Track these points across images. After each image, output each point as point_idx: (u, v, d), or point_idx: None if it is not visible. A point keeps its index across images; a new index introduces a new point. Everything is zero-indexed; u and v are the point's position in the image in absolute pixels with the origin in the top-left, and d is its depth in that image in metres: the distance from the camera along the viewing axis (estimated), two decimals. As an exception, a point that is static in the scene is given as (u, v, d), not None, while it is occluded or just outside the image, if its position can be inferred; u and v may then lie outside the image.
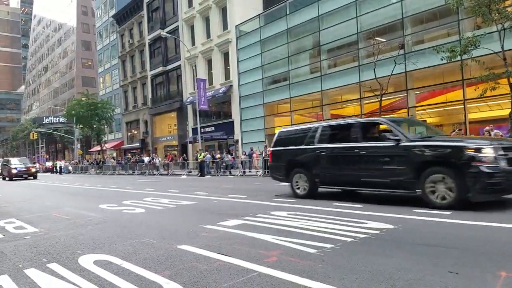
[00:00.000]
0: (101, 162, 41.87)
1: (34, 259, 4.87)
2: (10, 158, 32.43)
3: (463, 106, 19.23)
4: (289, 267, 3.92)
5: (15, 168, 29.60)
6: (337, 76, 24.51)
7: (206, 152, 27.78)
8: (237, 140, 31.31)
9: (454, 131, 16.71)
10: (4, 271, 4.35)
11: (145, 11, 43.16)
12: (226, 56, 32.99)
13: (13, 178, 29.51)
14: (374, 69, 18.83)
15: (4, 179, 31.44)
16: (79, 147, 58.65)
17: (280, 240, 5.12)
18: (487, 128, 14.45)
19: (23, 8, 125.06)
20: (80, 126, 46.05)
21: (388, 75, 18.76)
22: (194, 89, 33.34)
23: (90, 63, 71.97)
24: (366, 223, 5.99)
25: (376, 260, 4.06)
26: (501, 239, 4.89)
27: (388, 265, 3.89)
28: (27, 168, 30.57)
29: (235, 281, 3.61)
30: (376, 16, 22.14)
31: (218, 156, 26.42)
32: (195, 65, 34.30)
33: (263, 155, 22.67)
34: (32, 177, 30.37)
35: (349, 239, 5.04)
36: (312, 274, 3.68)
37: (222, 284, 3.54)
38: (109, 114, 44.67)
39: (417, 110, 21.67)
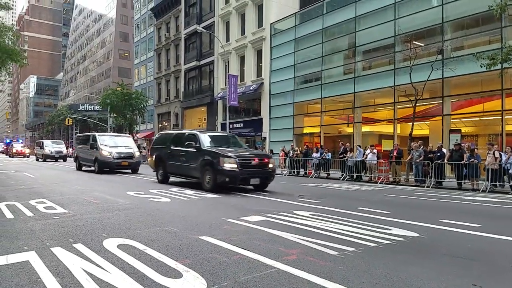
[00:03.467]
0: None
1: (61, 238, 5.05)
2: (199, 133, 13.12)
3: (500, 117, 18.49)
4: (308, 266, 3.89)
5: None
6: (371, 78, 24.06)
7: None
8: (265, 138, 31.32)
9: (490, 143, 16.08)
10: (32, 248, 4.53)
11: (182, 6, 43.73)
12: (259, 53, 33.02)
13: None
14: (410, 74, 18.38)
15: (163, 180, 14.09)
16: (111, 135, 60.04)
17: (301, 239, 5.09)
18: None
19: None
20: (114, 115, 47.22)
21: (424, 81, 18.26)
22: (225, 85, 33.56)
23: (126, 54, 73.66)
24: (390, 230, 5.87)
25: (398, 267, 3.98)
26: (533, 256, 4.68)
27: (410, 273, 3.80)
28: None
29: (253, 275, 3.62)
30: (415, 19, 21.57)
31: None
32: (228, 61, 34.51)
33: (290, 154, 22.56)
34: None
35: (372, 244, 4.96)
36: (331, 275, 3.64)
37: (240, 277, 3.56)
38: (142, 105, 45.56)
39: (452, 118, 21.01)
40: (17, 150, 48.81)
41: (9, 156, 48.69)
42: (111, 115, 48.35)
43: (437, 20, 20.57)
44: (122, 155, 19.11)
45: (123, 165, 18.99)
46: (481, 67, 15.08)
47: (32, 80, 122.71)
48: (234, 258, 4.18)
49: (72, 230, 5.58)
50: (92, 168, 19.90)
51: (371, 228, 5.97)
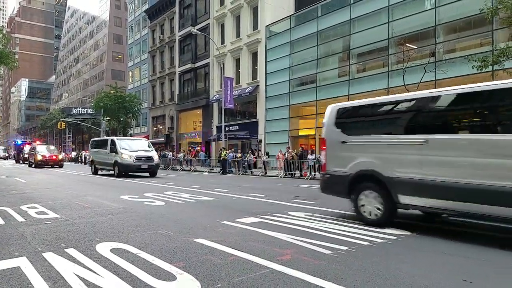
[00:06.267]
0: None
1: (52, 243, 5.01)
2: None
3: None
4: (302, 266, 3.92)
5: None
6: (365, 81, 24.19)
7: (229, 151, 27.92)
8: (261, 140, 31.32)
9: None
10: (23, 254, 4.48)
11: (177, 8, 43.69)
12: (254, 56, 33.03)
13: None
14: (403, 76, 18.51)
15: None
16: (105, 138, 59.81)
17: (296, 239, 5.12)
18: None
19: (57, 0, 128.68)
20: (107, 118, 47.01)
21: (417, 83, 18.40)
22: (220, 87, 33.56)
23: (120, 56, 73.39)
24: (383, 229, 5.90)
25: (391, 265, 4.01)
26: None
27: (403, 270, 3.84)
28: None
29: (247, 276, 3.63)
30: (408, 22, 21.72)
31: (239, 155, 26.51)
32: (223, 64, 34.52)
33: (286, 156, 22.61)
34: None
35: (365, 243, 4.99)
36: (324, 274, 3.66)
37: (234, 278, 3.57)
38: (136, 108, 45.46)
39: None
40: (44, 156, 31.19)
41: (29, 166, 32.99)
42: (105, 118, 48.09)
43: (430, 23, 20.73)
44: (142, 158, 19.53)
45: (142, 169, 19.53)
46: (473, 68, 15.23)
47: (24, 83, 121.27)
48: (228, 259, 4.19)
49: (64, 235, 5.53)
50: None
51: (365, 227, 6.00)
